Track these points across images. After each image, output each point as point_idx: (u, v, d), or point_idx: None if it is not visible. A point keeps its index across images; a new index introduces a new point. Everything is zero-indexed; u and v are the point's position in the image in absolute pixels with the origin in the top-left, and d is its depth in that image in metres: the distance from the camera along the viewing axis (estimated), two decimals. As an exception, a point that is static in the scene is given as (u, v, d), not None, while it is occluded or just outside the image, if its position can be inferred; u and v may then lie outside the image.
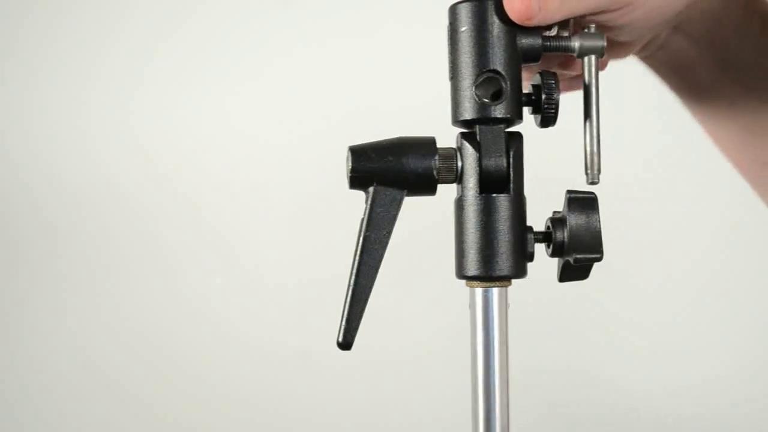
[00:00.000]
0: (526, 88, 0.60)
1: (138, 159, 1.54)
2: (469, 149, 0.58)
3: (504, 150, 0.58)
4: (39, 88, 1.55)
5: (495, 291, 0.59)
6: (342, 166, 0.60)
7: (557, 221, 0.59)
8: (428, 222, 1.00)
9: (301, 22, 1.51)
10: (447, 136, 0.60)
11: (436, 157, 0.59)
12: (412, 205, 0.60)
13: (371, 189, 0.58)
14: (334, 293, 0.92)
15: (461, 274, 0.59)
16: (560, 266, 0.60)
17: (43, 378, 1.55)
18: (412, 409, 1.52)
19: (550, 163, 1.04)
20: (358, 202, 0.61)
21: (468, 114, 0.58)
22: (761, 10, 0.68)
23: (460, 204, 0.59)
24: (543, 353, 1.48)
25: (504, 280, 0.59)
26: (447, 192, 0.61)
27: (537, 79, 0.59)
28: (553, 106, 0.58)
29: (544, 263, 0.61)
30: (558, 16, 0.57)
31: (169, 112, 1.54)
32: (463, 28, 0.58)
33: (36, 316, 1.55)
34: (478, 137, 0.58)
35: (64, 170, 1.54)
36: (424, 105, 1.13)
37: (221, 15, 1.53)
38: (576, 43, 0.59)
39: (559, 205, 0.60)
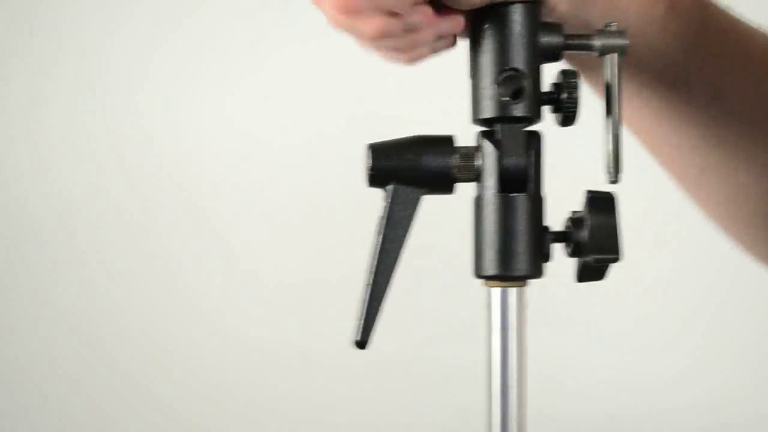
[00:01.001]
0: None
1: (137, 158, 1.54)
2: (488, 148, 0.58)
3: (524, 149, 0.58)
4: (39, 87, 1.55)
5: (513, 291, 0.59)
6: (343, 165, 0.59)
7: (576, 221, 0.59)
8: (445, 221, 1.00)
9: (306, 18, 1.51)
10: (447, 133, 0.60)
11: (456, 156, 0.58)
12: (429, 204, 0.59)
13: (389, 187, 0.58)
14: (335, 293, 0.93)
15: (479, 273, 0.59)
16: (579, 266, 0.60)
17: (41, 376, 1.55)
18: (417, 412, 1.52)
19: (568, 162, 1.04)
20: (358, 201, 0.61)
21: (488, 112, 0.58)
22: None
23: (478, 203, 0.59)
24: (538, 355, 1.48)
25: (522, 279, 0.58)
26: (463, 191, 0.60)
27: (558, 78, 0.59)
28: (574, 105, 0.58)
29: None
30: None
31: (167, 112, 1.54)
32: (484, 26, 0.58)
33: (35, 315, 1.55)
34: (497, 136, 0.58)
35: (64, 170, 1.54)
36: (434, 103, 1.13)
37: (222, 13, 1.53)
38: (598, 42, 0.59)
39: (574, 204, 0.60)
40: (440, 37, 0.59)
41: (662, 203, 1.46)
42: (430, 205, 0.60)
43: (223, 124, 1.54)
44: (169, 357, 1.54)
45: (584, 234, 0.58)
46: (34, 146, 1.54)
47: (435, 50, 0.60)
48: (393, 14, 0.56)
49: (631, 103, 0.69)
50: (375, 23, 0.56)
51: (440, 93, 1.11)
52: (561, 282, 0.63)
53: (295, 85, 1.52)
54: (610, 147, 0.59)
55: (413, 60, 0.61)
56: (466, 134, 0.60)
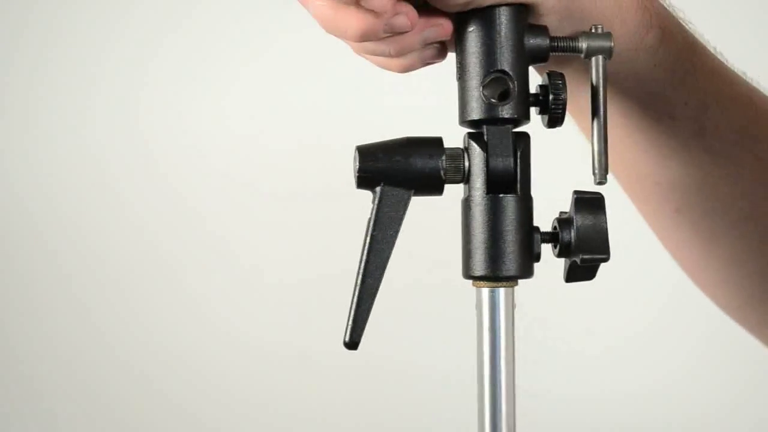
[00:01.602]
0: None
1: (135, 158, 1.54)
2: (476, 149, 0.58)
3: (511, 150, 0.58)
4: (37, 89, 1.55)
5: (502, 291, 0.59)
6: (342, 164, 0.60)
7: (564, 222, 0.59)
8: (434, 222, 1.00)
9: (302, 20, 1.51)
10: (445, 136, 0.60)
11: (444, 157, 0.59)
12: (418, 205, 0.60)
13: (378, 189, 0.58)
14: (335, 292, 0.93)
15: (468, 274, 0.59)
16: (567, 267, 0.60)
17: (41, 374, 1.55)
18: (414, 411, 1.52)
19: (557, 164, 1.04)
20: (357, 200, 0.61)
21: (475, 114, 0.59)
22: (659, 21, 0.66)
23: (467, 204, 0.59)
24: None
25: (511, 280, 0.59)
26: (453, 192, 0.61)
27: (544, 79, 0.59)
28: (561, 106, 0.59)
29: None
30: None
31: (165, 111, 1.54)
32: (471, 29, 0.59)
33: (35, 315, 1.55)
34: (485, 137, 0.58)
35: (64, 170, 1.54)
36: (428, 104, 1.13)
37: (218, 14, 1.53)
38: (583, 44, 0.60)
39: (566, 205, 0.60)
40: (428, 45, 0.60)
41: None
42: (421, 205, 0.60)
43: (222, 123, 1.54)
44: (168, 355, 1.54)
45: (572, 234, 0.59)
46: (33, 147, 1.55)
47: (424, 60, 0.61)
48: (374, 13, 0.56)
49: (613, 132, 0.69)
50: (357, 22, 0.56)
51: (430, 94, 1.12)
52: (559, 283, 0.64)
53: (294, 85, 1.53)
54: (596, 148, 0.59)
55: (403, 68, 0.61)
56: (456, 136, 0.61)
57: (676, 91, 0.68)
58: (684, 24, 0.69)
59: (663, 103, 0.68)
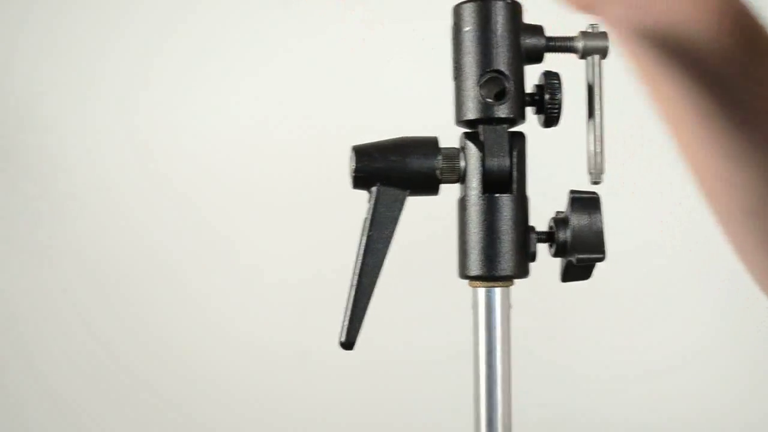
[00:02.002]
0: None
1: (136, 158, 1.54)
2: (472, 149, 0.58)
3: (507, 150, 0.58)
4: (41, 85, 1.55)
5: (497, 291, 0.59)
6: (342, 163, 0.60)
7: (560, 221, 0.59)
8: (431, 222, 1.00)
9: (302, 22, 1.51)
10: (444, 136, 0.60)
11: (440, 157, 0.59)
12: (414, 205, 0.60)
13: (374, 189, 0.59)
14: (335, 292, 0.93)
15: (464, 273, 0.59)
16: (563, 266, 0.60)
17: (41, 374, 1.55)
18: (413, 410, 1.52)
19: (552, 164, 1.04)
20: (358, 198, 0.61)
21: (471, 114, 0.59)
22: (722, 5, 0.64)
23: (463, 204, 0.59)
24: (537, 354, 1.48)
25: (506, 279, 0.59)
26: (450, 192, 0.61)
27: (540, 79, 0.59)
28: (557, 106, 0.59)
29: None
30: None
31: (166, 109, 1.54)
32: (467, 28, 0.59)
33: (33, 316, 1.55)
34: (481, 137, 0.58)
35: (67, 169, 1.55)
36: (424, 104, 1.13)
37: (221, 12, 1.53)
38: (580, 44, 0.60)
39: (561, 205, 0.60)
40: None
41: (661, 206, 1.46)
42: (417, 205, 0.60)
43: (223, 123, 1.54)
44: (169, 354, 1.54)
45: (568, 234, 0.59)
46: (39, 143, 1.55)
47: None
48: None
49: (686, 129, 0.68)
50: None
51: (426, 94, 1.12)
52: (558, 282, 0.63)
53: (296, 84, 1.53)
54: (592, 148, 0.59)
55: None
56: (452, 135, 0.61)
57: (747, 82, 0.66)
58: (753, 12, 0.67)
59: (735, 93, 0.66)
